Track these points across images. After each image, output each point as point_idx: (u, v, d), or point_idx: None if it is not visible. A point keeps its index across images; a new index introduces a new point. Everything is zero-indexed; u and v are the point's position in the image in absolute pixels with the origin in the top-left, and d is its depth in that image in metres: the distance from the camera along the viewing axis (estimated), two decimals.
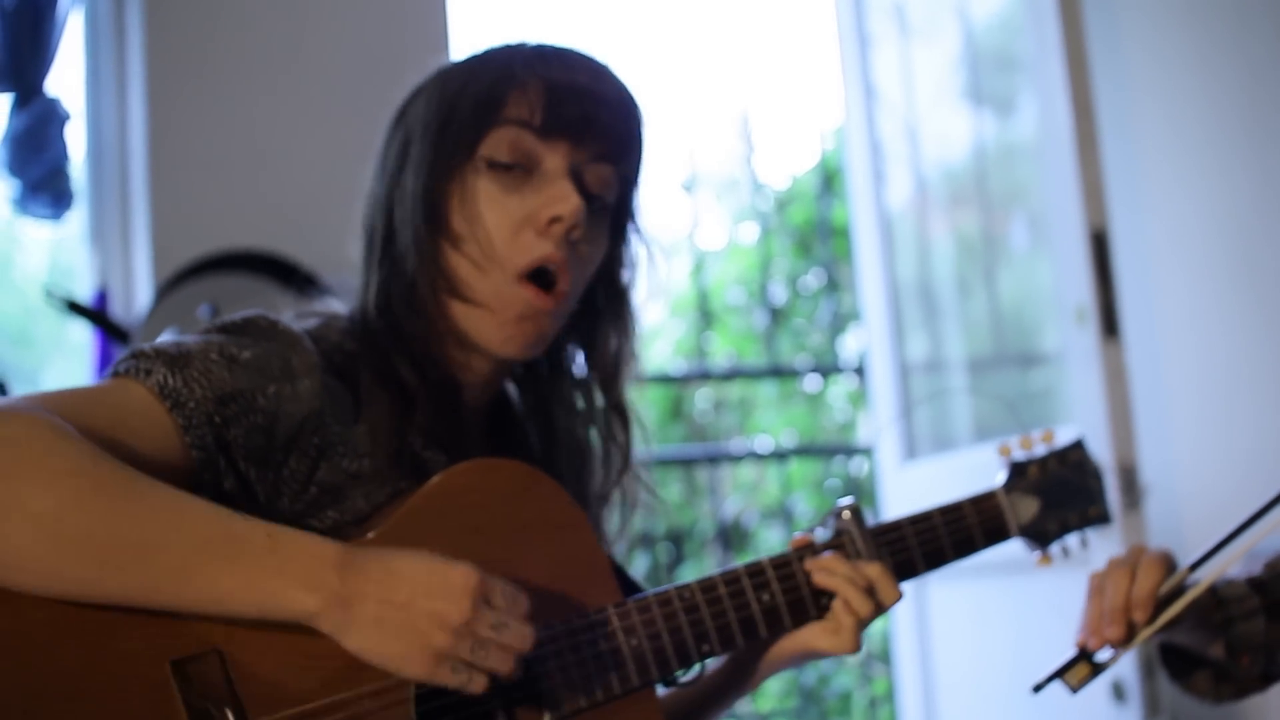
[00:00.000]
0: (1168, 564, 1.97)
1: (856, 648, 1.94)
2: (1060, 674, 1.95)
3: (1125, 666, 3.31)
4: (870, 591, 1.93)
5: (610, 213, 1.93)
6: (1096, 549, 3.40)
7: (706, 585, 1.87)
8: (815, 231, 6.93)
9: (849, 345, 6.80)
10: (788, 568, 1.93)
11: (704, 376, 6.60)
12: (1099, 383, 3.40)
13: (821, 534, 1.99)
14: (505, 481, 1.78)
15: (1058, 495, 2.13)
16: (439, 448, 1.83)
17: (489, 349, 1.86)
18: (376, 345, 1.84)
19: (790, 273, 7.28)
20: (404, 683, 1.65)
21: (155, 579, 1.54)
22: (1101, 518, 2.18)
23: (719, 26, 8.04)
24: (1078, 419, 3.52)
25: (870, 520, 2.01)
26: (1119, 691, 3.34)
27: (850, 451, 6.47)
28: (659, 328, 7.67)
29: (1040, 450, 2.15)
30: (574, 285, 1.88)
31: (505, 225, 1.83)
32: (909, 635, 4.28)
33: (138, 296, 3.69)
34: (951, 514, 2.05)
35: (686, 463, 6.65)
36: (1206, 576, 1.94)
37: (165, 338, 2.63)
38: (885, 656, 5.47)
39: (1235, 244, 3.66)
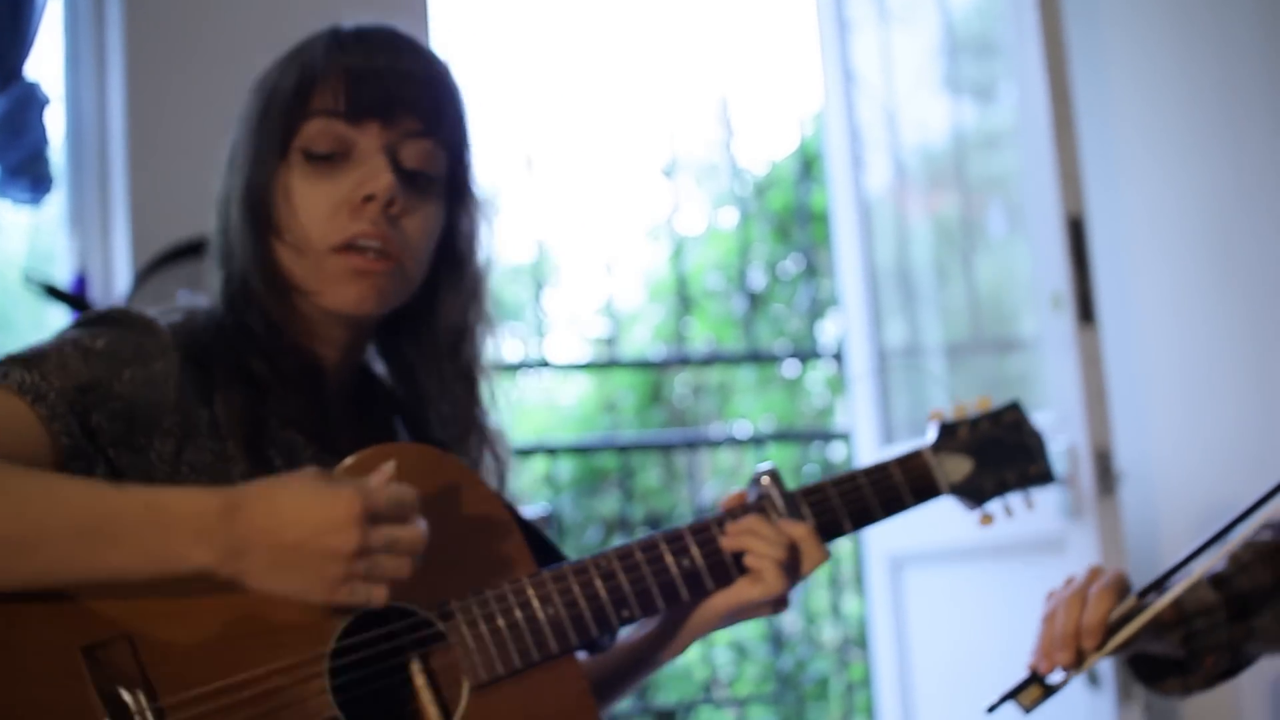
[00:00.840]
0: (1120, 590, 2.01)
1: (782, 589, 1.97)
2: (1013, 695, 2.02)
3: None
4: (791, 547, 1.96)
5: (442, 185, 1.95)
6: (1072, 537, 3.43)
7: (623, 553, 1.91)
8: (794, 217, 6.94)
9: (827, 331, 6.81)
10: (707, 532, 1.96)
11: (683, 361, 6.61)
12: (1075, 369, 3.42)
13: (750, 498, 2.02)
14: (413, 464, 1.79)
15: (993, 454, 2.14)
16: (300, 430, 1.87)
17: (333, 312, 1.89)
18: (228, 340, 1.87)
19: (769, 258, 7.29)
20: (319, 655, 1.68)
21: (44, 570, 1.58)
22: (1043, 476, 2.18)
23: (698, 12, 8.04)
24: (1053, 405, 3.53)
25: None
26: (1093, 678, 3.36)
27: (828, 436, 6.48)
28: (638, 312, 7.68)
29: (973, 413, 2.17)
30: (404, 257, 1.90)
31: (322, 209, 1.86)
32: (885, 621, 4.30)
33: (117, 281, 3.69)
34: (877, 474, 2.08)
35: (665, 448, 6.67)
36: (1153, 605, 1.98)
37: None
38: (862, 642, 5.50)
39: (1212, 231, 3.68)
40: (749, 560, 1.96)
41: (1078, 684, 3.39)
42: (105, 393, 1.72)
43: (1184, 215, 3.77)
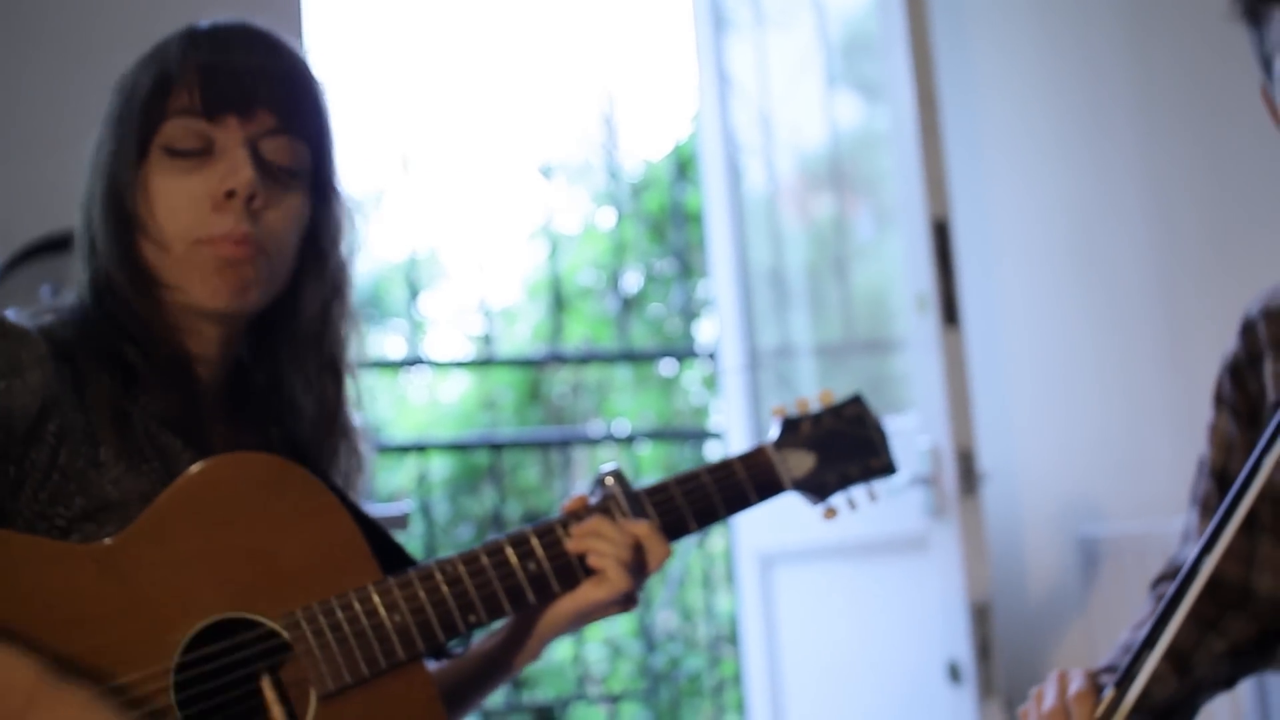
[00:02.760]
0: (1094, 689, 2.02)
1: (627, 588, 1.98)
2: None
3: (960, 648, 3.38)
4: (635, 547, 1.97)
5: (306, 179, 1.95)
6: (935, 536, 3.48)
7: (469, 558, 1.91)
8: (670, 218, 6.97)
9: (704, 331, 6.85)
10: (551, 534, 1.96)
11: (559, 360, 6.62)
12: (939, 370, 3.47)
13: (592, 500, 2.03)
14: (256, 473, 1.81)
15: (835, 449, 2.15)
16: (173, 430, 1.85)
17: (201, 308, 1.88)
18: (97, 332, 1.86)
19: (645, 258, 7.32)
20: (164, 670, 1.68)
21: None
22: (885, 468, 2.20)
23: (577, 12, 8.05)
24: (919, 405, 3.58)
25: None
26: (954, 673, 3.41)
27: (704, 435, 6.51)
28: (516, 310, 7.68)
29: (815, 407, 2.18)
30: (269, 249, 1.90)
31: (183, 204, 1.86)
32: (755, 618, 4.33)
33: None
34: (720, 472, 2.08)
35: (543, 445, 6.67)
36: (1130, 692, 1.99)
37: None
38: (733, 639, 5.53)
39: (1074, 234, 3.74)
40: (593, 560, 1.97)
41: (940, 679, 3.45)
42: None
43: (1047, 219, 3.83)
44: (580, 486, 6.27)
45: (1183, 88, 3.48)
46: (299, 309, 2.00)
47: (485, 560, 1.91)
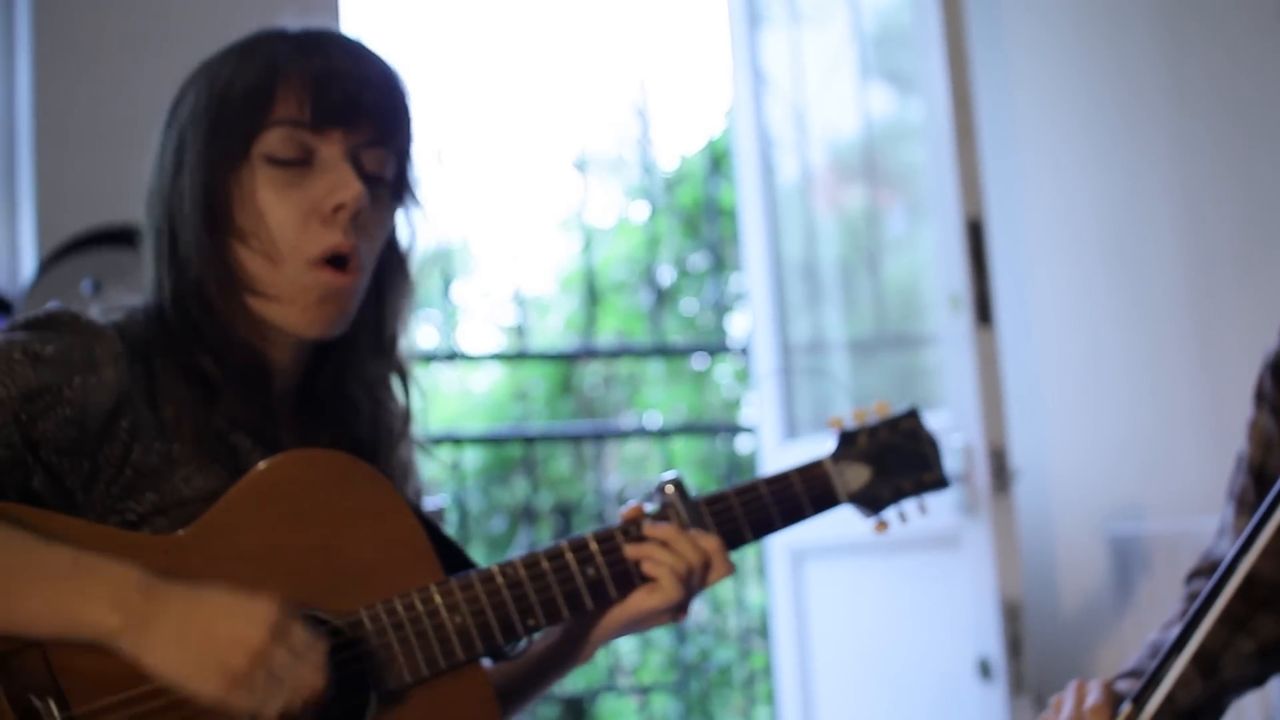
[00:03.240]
0: (1112, 702, 2.03)
1: (681, 596, 1.98)
2: None
3: (991, 645, 3.40)
4: (694, 557, 1.98)
5: (389, 189, 1.95)
6: (967, 533, 3.49)
7: (530, 561, 1.92)
8: (703, 212, 6.99)
9: (736, 325, 6.86)
10: (611, 541, 1.97)
11: (591, 354, 6.64)
12: (972, 369, 3.47)
13: (650, 508, 2.03)
14: (323, 471, 1.83)
15: (890, 462, 2.15)
16: (246, 432, 1.86)
17: (294, 334, 1.88)
18: (174, 338, 1.85)
19: (678, 252, 7.33)
20: None
21: None
22: (937, 483, 2.20)
23: (612, 7, 8.07)
24: (951, 403, 3.59)
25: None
26: (985, 669, 3.42)
27: (734, 430, 6.53)
28: (549, 302, 7.70)
29: (872, 419, 2.18)
30: (366, 264, 1.90)
31: (292, 217, 1.84)
32: (786, 611, 4.35)
33: (22, 268, 3.68)
34: (778, 484, 2.09)
35: (574, 438, 6.69)
36: (1148, 709, 2.01)
37: None
38: (764, 632, 5.55)
39: (1107, 235, 3.75)
40: (648, 568, 1.97)
41: (970, 677, 3.46)
42: (54, 399, 1.72)
43: (1080, 218, 3.83)
44: (612, 480, 6.30)
45: (1217, 89, 3.49)
46: (381, 317, 2.01)
47: (546, 564, 1.93)
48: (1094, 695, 2.03)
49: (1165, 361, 3.57)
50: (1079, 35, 3.90)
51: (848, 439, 2.15)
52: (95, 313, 1.83)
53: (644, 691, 6.24)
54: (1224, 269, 3.44)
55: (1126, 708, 2.00)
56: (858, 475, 2.14)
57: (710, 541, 2.00)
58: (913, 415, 2.22)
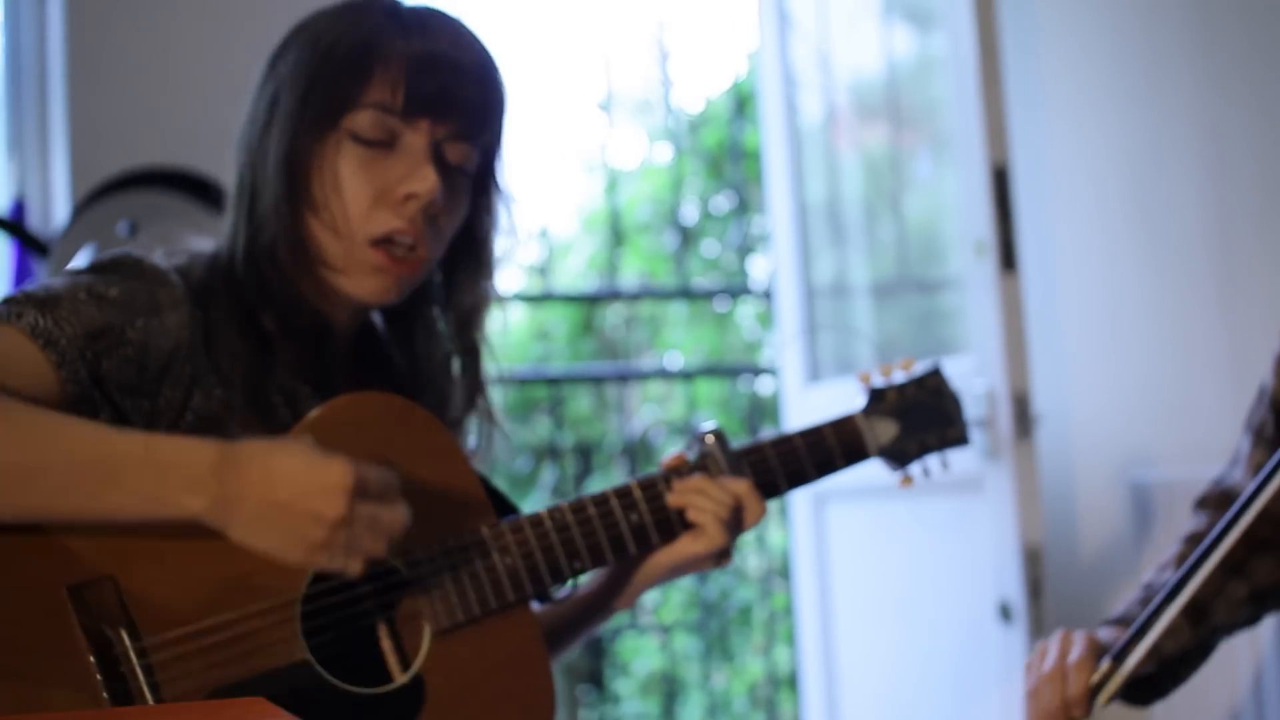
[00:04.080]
0: (1095, 654, 2.09)
1: (724, 543, 2.06)
2: None
3: (1012, 588, 3.44)
4: (735, 505, 2.06)
5: (471, 178, 1.99)
6: (989, 478, 3.52)
7: (577, 506, 1.99)
8: (727, 154, 6.99)
9: (758, 266, 6.88)
10: (654, 489, 2.05)
11: (614, 296, 6.67)
12: (995, 315, 3.49)
13: (691, 456, 2.11)
14: (380, 412, 1.89)
15: (916, 418, 2.23)
16: (304, 381, 1.92)
17: (350, 299, 1.94)
18: (238, 290, 1.90)
19: (702, 194, 7.34)
20: (290, 601, 1.76)
21: (41, 500, 1.63)
22: (959, 439, 2.29)
23: None
24: (975, 349, 3.62)
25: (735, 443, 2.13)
26: (1006, 612, 3.46)
27: (756, 371, 6.56)
28: (571, 242, 7.72)
29: (899, 377, 2.26)
30: (432, 252, 1.95)
31: (363, 197, 1.89)
32: (807, 553, 4.39)
33: (56, 209, 3.71)
34: (812, 436, 2.17)
35: (596, 380, 6.73)
36: (1127, 663, 2.06)
37: (83, 255, 2.71)
38: (785, 573, 5.60)
39: (1131, 182, 3.76)
40: (692, 515, 2.05)
41: (990, 620, 3.50)
42: (117, 339, 1.77)
43: (1104, 165, 3.84)
44: (635, 421, 6.33)
45: (1243, 36, 3.49)
46: (452, 296, 2.07)
47: (592, 510, 2.00)
48: (1077, 649, 2.10)
49: (1187, 309, 3.58)
50: None
51: (877, 395, 2.23)
52: (159, 257, 1.88)
53: (665, 630, 6.30)
54: (1247, 218, 3.45)
55: (1105, 665, 2.06)
56: (886, 430, 2.21)
57: (741, 485, 2.08)
58: (936, 373, 2.29)
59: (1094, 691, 2.07)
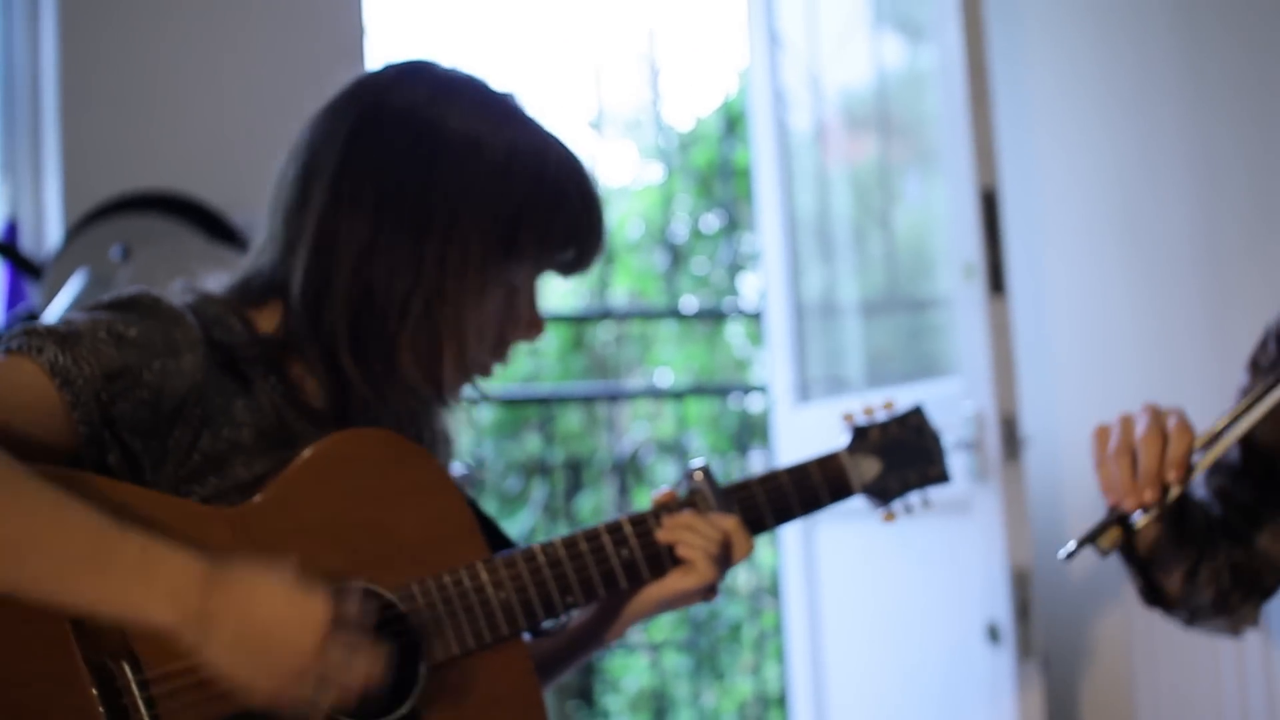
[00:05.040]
0: (1191, 425, 2.06)
1: (713, 577, 2.08)
2: (1092, 538, 2.06)
3: (1000, 610, 3.45)
4: (723, 541, 2.08)
5: None
6: (977, 500, 3.54)
7: (569, 542, 2.01)
8: (717, 172, 7.01)
9: (748, 285, 6.89)
10: (644, 525, 2.07)
11: (604, 314, 6.68)
12: (984, 337, 3.50)
13: (680, 493, 2.14)
14: (377, 449, 1.90)
15: (898, 456, 2.27)
16: (309, 420, 1.92)
17: (424, 394, 1.95)
18: (272, 362, 1.91)
19: (692, 212, 7.36)
20: None
21: (25, 579, 1.62)
22: (940, 477, 2.33)
23: None
24: (963, 371, 3.63)
25: (723, 479, 2.17)
26: (994, 634, 3.47)
27: (746, 390, 6.58)
28: None
29: (881, 416, 2.30)
30: None
31: (490, 335, 1.93)
32: (797, 572, 4.40)
33: (49, 232, 3.71)
34: (798, 474, 2.20)
35: (586, 398, 6.74)
36: (1228, 436, 2.05)
37: (77, 278, 2.71)
38: (774, 591, 5.61)
39: (1119, 204, 3.77)
40: (681, 551, 2.07)
41: (978, 639, 3.52)
42: (133, 381, 1.77)
43: (1093, 188, 3.86)
44: (627, 441, 6.34)
45: (1232, 57, 3.51)
46: None
47: (583, 545, 2.02)
48: (1176, 415, 2.05)
49: (1176, 331, 3.60)
50: (1093, 6, 3.92)
51: (860, 433, 2.27)
52: (174, 295, 1.89)
53: (655, 648, 6.30)
54: (1234, 241, 3.47)
55: (1210, 430, 2.03)
56: (870, 468, 2.26)
57: (729, 521, 2.11)
58: (918, 411, 2.34)
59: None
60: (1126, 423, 2.06)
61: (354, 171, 1.87)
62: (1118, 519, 2.06)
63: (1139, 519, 2.06)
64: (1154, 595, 2.33)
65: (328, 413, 1.93)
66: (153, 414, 1.79)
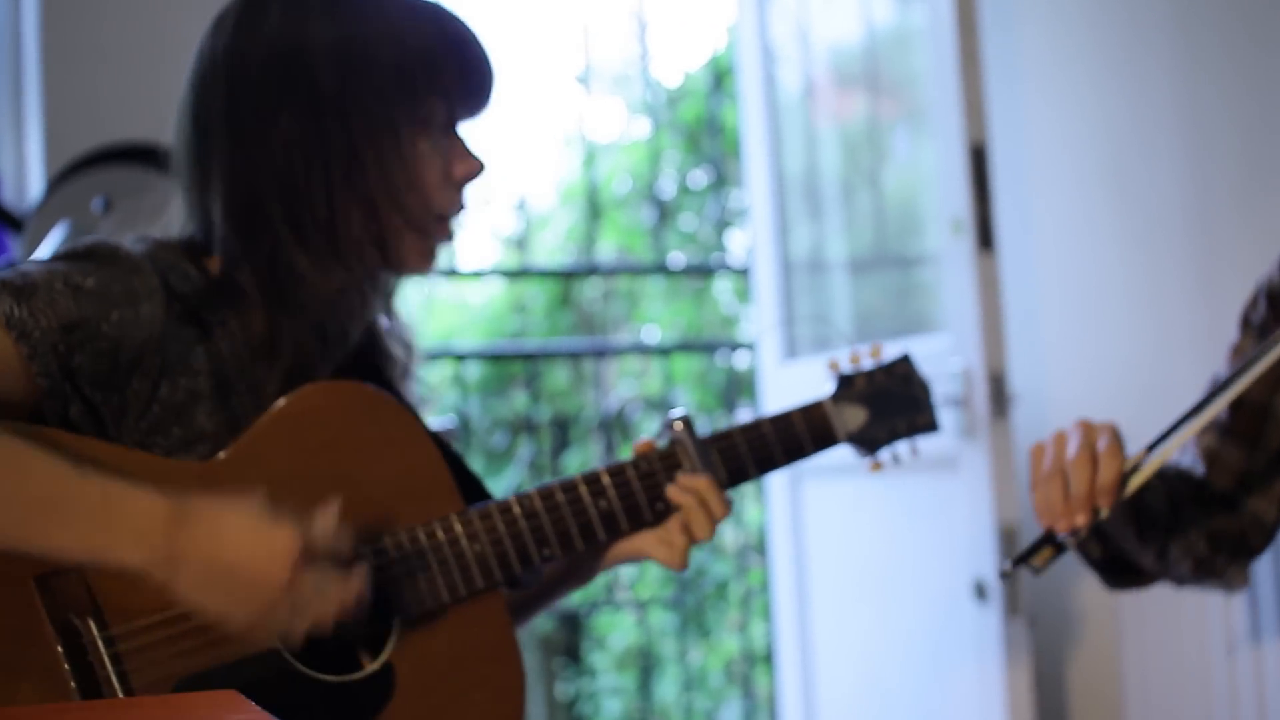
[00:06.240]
0: (1122, 445, 2.05)
1: (684, 566, 2.09)
2: (1027, 557, 2.05)
3: (987, 568, 3.44)
4: (704, 507, 2.06)
5: None
6: (965, 457, 3.53)
7: (545, 493, 1.99)
8: (705, 128, 6.98)
9: (736, 241, 6.87)
10: (622, 475, 2.05)
11: (591, 270, 6.65)
12: (973, 293, 3.48)
13: (660, 444, 2.11)
14: (348, 401, 1.88)
15: (885, 405, 2.23)
16: (266, 360, 1.90)
17: (401, 269, 1.97)
18: (224, 298, 1.89)
19: (680, 168, 7.33)
20: None
21: None
22: (929, 425, 2.29)
23: None
24: (951, 327, 3.61)
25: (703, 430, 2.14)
26: (980, 591, 3.47)
27: (734, 346, 6.56)
28: (549, 216, 7.70)
29: (868, 364, 2.26)
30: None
31: (434, 180, 1.94)
32: (784, 529, 4.39)
33: (31, 185, 3.69)
34: (781, 423, 2.17)
35: (573, 355, 6.72)
36: (1157, 455, 2.03)
37: (58, 230, 2.67)
38: (761, 549, 5.60)
39: (1108, 161, 3.75)
40: (674, 522, 2.07)
41: (965, 597, 3.51)
42: (91, 332, 1.74)
43: (1082, 143, 3.84)
44: (614, 398, 6.33)
45: (1221, 13, 3.49)
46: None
47: (560, 496, 1.99)
48: (1106, 436, 2.03)
49: (1165, 288, 3.58)
50: None
51: (845, 382, 2.23)
52: (131, 244, 1.86)
53: (641, 606, 6.30)
54: (1224, 196, 3.45)
55: (1140, 452, 2.02)
56: (855, 416, 2.21)
57: (701, 482, 2.07)
58: (905, 360, 2.29)
59: (1123, 480, 2.02)
60: (1059, 442, 2.06)
61: (240, 89, 1.91)
62: (1050, 539, 2.06)
63: (1070, 539, 2.05)
64: (1124, 579, 2.32)
65: (283, 353, 1.90)
66: (111, 365, 1.77)
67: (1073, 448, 2.03)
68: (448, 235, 1.98)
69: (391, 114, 1.90)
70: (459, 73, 1.95)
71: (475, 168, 1.96)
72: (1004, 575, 2.08)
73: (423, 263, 1.97)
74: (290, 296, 1.88)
